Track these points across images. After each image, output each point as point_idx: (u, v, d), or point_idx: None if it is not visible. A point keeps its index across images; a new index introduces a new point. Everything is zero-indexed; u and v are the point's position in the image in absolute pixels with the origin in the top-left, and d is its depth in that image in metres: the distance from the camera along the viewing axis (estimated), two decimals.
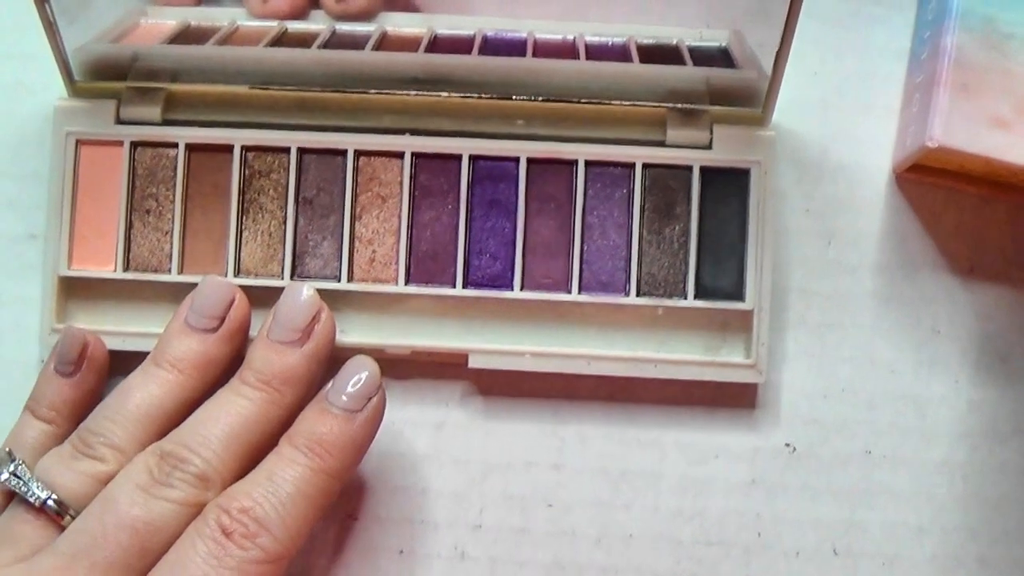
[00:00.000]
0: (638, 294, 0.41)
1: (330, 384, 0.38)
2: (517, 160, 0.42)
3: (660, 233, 0.42)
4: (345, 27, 0.44)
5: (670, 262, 0.42)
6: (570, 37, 0.44)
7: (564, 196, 0.42)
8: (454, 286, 0.42)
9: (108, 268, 0.42)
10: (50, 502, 0.36)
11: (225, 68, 0.42)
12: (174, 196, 0.42)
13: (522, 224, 0.42)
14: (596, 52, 0.43)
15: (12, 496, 0.37)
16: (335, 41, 0.44)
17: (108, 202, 0.42)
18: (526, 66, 0.42)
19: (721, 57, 0.43)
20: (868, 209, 0.43)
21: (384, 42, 0.44)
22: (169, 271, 0.42)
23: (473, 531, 0.42)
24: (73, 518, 0.36)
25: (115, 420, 0.37)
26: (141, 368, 0.39)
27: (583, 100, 0.42)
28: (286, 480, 0.36)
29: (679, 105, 0.42)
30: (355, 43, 0.43)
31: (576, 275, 0.42)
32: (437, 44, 0.44)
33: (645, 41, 0.44)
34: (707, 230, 0.42)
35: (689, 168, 0.42)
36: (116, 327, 0.41)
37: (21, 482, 0.36)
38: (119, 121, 0.42)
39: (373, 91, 0.42)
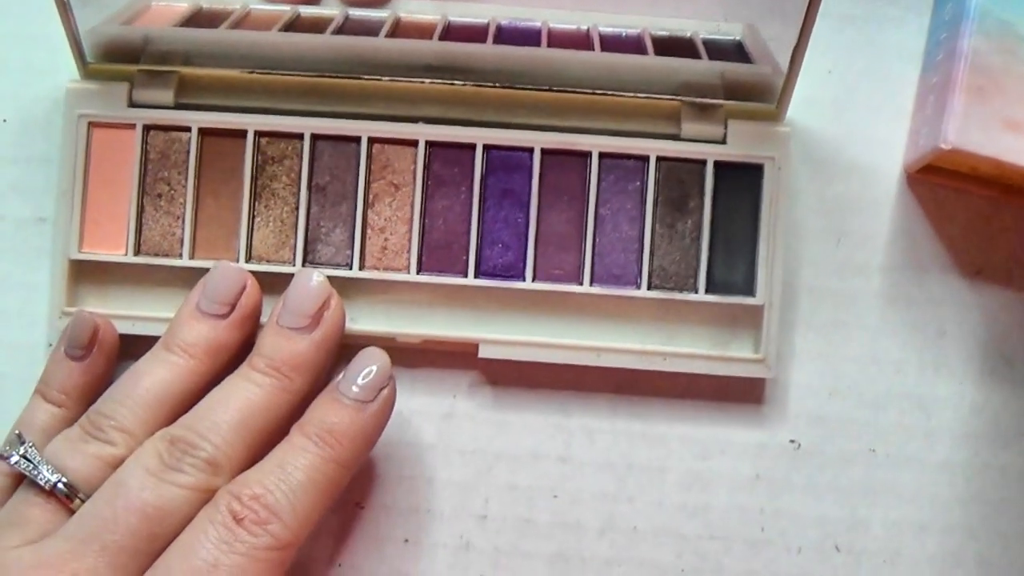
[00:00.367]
0: (649, 287, 0.41)
1: (342, 374, 0.38)
2: (531, 151, 0.42)
3: (672, 227, 0.42)
4: (358, 13, 0.44)
5: (682, 256, 0.42)
6: (584, 27, 0.44)
7: (577, 187, 0.42)
8: (466, 276, 0.41)
9: (119, 252, 0.42)
10: (60, 485, 0.36)
11: (238, 52, 0.42)
12: (186, 180, 0.42)
13: (535, 215, 0.42)
14: (610, 43, 0.43)
15: (22, 479, 0.37)
16: (348, 27, 0.43)
17: (120, 185, 0.42)
18: (540, 56, 0.42)
19: (735, 51, 0.43)
20: (878, 209, 0.44)
21: (397, 29, 0.43)
22: (180, 256, 0.41)
23: (479, 521, 0.42)
24: (83, 501, 0.36)
25: (125, 403, 0.37)
26: (151, 352, 0.39)
27: (597, 91, 0.42)
28: (297, 468, 0.36)
29: (693, 99, 0.42)
30: (368, 29, 0.43)
31: (588, 267, 0.41)
32: (451, 32, 0.44)
33: (659, 33, 0.44)
34: (719, 224, 0.42)
35: (703, 162, 0.42)
36: (127, 311, 0.41)
37: (31, 465, 0.36)
38: (131, 104, 0.42)
39: (386, 78, 0.42)
